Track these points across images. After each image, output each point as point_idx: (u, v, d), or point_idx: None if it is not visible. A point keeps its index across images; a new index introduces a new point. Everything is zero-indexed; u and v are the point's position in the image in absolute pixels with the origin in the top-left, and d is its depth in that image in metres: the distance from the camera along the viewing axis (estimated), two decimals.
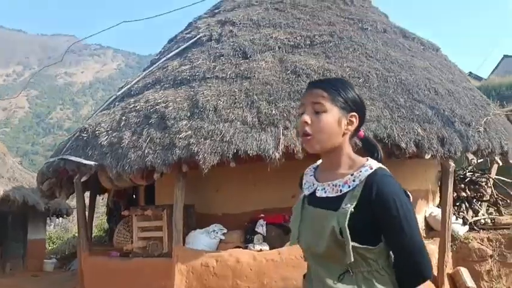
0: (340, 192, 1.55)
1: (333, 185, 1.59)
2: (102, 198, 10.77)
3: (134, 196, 8.45)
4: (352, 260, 1.47)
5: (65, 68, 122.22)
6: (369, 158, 1.60)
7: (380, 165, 1.55)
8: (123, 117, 5.85)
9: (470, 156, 5.78)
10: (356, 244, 1.47)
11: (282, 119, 5.07)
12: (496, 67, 30.26)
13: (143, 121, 5.61)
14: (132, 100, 6.15)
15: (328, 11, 7.06)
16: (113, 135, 5.71)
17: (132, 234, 6.24)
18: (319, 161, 1.73)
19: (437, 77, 6.05)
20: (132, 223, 6.26)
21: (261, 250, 5.37)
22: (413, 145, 4.98)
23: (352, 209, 1.48)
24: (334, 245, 1.49)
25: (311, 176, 1.72)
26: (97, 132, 5.82)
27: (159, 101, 5.67)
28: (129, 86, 6.63)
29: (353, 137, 1.66)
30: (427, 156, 5.10)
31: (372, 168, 1.53)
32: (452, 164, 5.44)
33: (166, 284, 5.33)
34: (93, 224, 10.00)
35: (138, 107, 5.82)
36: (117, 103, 6.51)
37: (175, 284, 5.24)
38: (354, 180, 1.54)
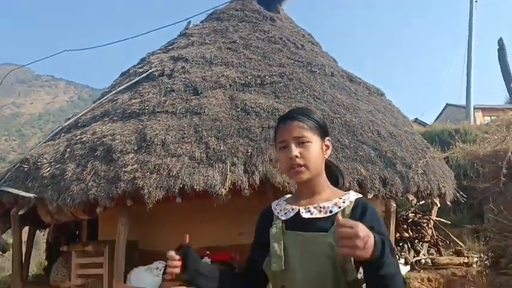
0: (330, 213, 1.56)
1: (320, 207, 1.60)
2: (43, 234, 10.26)
3: (77, 233, 8.12)
4: (355, 275, 1.45)
5: (13, 98, 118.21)
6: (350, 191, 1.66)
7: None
8: (68, 149, 5.70)
9: (411, 197, 6.00)
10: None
11: (230, 155, 5.10)
12: (439, 114, 31.92)
13: (88, 153, 5.48)
14: (79, 132, 6.02)
15: (279, 53, 7.29)
16: (56, 166, 5.53)
17: (69, 271, 5.97)
18: (287, 196, 1.76)
19: (381, 120, 6.31)
20: (71, 259, 5.99)
21: None
22: (356, 184, 5.11)
23: None
24: (328, 268, 1.48)
25: (286, 204, 1.71)
26: (39, 163, 5.62)
27: (106, 133, 5.58)
28: (76, 117, 6.50)
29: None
30: (370, 196, 5.25)
31: (358, 195, 1.60)
32: (393, 204, 5.61)
33: None
34: (33, 262, 9.48)
35: (84, 139, 5.69)
36: (62, 134, 6.34)
37: None
38: (343, 202, 1.58)
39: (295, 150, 1.61)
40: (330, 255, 1.48)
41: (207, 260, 5.55)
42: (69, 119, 6.74)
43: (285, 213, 1.66)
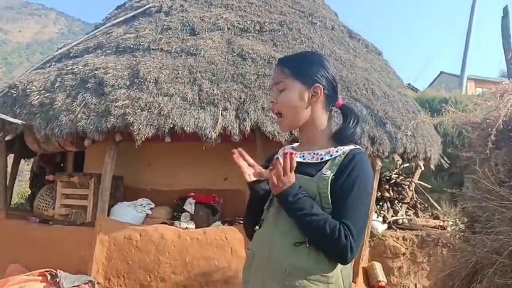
0: (321, 160, 1.58)
1: (314, 154, 1.62)
2: (28, 164, 10.25)
3: (62, 165, 8.12)
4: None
5: (0, 23, 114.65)
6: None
7: (362, 148, 1.62)
8: (59, 79, 5.59)
9: (397, 157, 6.08)
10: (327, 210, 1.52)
11: (223, 100, 5.06)
12: (432, 82, 31.95)
13: (79, 85, 5.39)
14: (70, 62, 5.89)
15: (280, 1, 7.11)
16: (45, 95, 5.45)
17: (54, 200, 6.02)
18: (296, 144, 1.78)
19: (376, 78, 6.28)
20: (56, 189, 6.04)
21: (187, 228, 5.37)
22: None
23: (333, 176, 1.52)
24: None
25: (289, 149, 1.72)
26: (28, 90, 5.53)
27: (99, 66, 5.48)
28: (68, 47, 6.35)
29: (330, 109, 1.69)
30: None
31: (355, 146, 1.59)
32: (379, 163, 5.69)
33: (85, 253, 5.20)
34: (16, 191, 9.53)
35: (75, 70, 5.58)
36: (53, 63, 6.22)
37: (95, 255, 5.12)
38: (337, 151, 1.58)
39: (273, 96, 1.62)
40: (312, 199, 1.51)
41: (191, 200, 5.64)
42: (60, 48, 6.58)
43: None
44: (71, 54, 6.21)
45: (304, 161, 1.61)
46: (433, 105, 19.60)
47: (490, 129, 3.87)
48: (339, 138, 1.64)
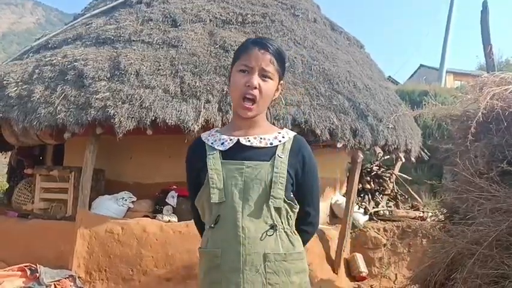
0: (270, 144, 1.61)
1: (261, 138, 1.62)
2: (5, 157, 10.06)
3: (41, 158, 7.99)
4: (282, 205, 1.56)
5: None
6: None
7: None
8: (37, 70, 5.47)
9: (378, 150, 6.14)
10: (284, 198, 1.57)
11: (205, 92, 5.03)
12: (412, 74, 32.32)
13: (58, 76, 5.28)
14: (49, 53, 5.77)
15: None
16: (23, 87, 5.33)
17: (33, 194, 5.92)
18: (217, 128, 1.78)
19: (358, 71, 6.32)
20: (35, 183, 5.93)
21: (169, 221, 5.34)
22: (327, 133, 5.17)
23: (287, 159, 1.59)
24: (267, 197, 1.55)
25: (221, 135, 1.69)
26: (5, 82, 5.39)
27: (78, 57, 5.38)
28: (46, 37, 6.21)
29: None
30: (339, 145, 5.33)
31: (293, 131, 1.70)
32: (361, 155, 5.74)
33: (66, 248, 5.14)
34: None
35: (54, 61, 5.47)
36: (31, 54, 6.08)
37: (76, 249, 5.06)
38: (283, 137, 1.64)
39: (255, 80, 1.57)
40: (269, 184, 1.54)
41: (173, 193, 5.61)
42: (38, 39, 6.44)
43: (222, 144, 1.64)
44: (50, 45, 6.08)
45: (251, 144, 1.62)
46: (413, 97, 19.88)
47: (469, 121, 3.94)
48: (272, 127, 1.74)
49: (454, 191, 4.25)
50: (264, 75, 1.59)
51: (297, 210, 1.62)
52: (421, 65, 31.97)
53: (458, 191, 3.79)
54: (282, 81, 1.68)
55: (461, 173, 3.81)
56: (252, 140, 1.62)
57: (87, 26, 6.17)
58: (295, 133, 1.69)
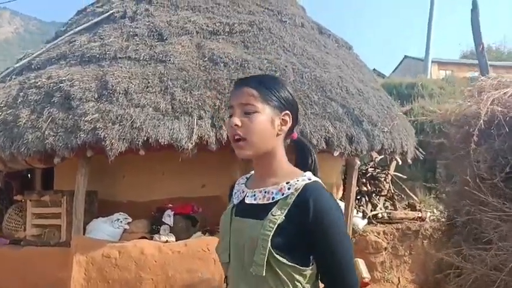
0: (272, 200, 1.42)
1: (265, 192, 1.45)
2: None
3: (29, 176, 7.80)
4: (264, 273, 1.33)
5: None
6: (307, 171, 1.48)
7: (317, 179, 1.45)
8: (21, 93, 5.31)
9: (375, 154, 6.08)
10: (284, 261, 1.35)
11: (197, 108, 4.91)
12: (397, 66, 32.49)
13: (44, 99, 5.13)
14: (33, 75, 5.60)
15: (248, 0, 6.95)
16: (8, 112, 5.18)
17: (25, 220, 5.75)
18: (252, 172, 1.60)
19: (349, 75, 6.24)
20: (25, 208, 5.76)
21: (167, 241, 5.22)
22: (323, 142, 5.09)
23: (283, 217, 1.36)
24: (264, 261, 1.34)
25: (242, 184, 1.59)
26: None
27: (64, 78, 5.22)
28: (29, 58, 6.02)
29: (286, 139, 1.54)
30: (336, 154, 5.26)
31: (310, 180, 1.42)
32: (358, 161, 5.68)
33: (62, 275, 4.98)
34: None
35: (39, 83, 5.31)
36: (14, 77, 5.89)
37: (73, 276, 4.91)
38: (289, 188, 1.42)
39: (237, 119, 1.43)
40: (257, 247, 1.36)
41: (169, 212, 5.48)
42: (20, 59, 6.25)
43: (237, 196, 1.55)
44: (33, 66, 5.89)
45: (255, 202, 1.46)
46: (400, 90, 19.95)
47: (468, 127, 3.89)
48: (293, 172, 1.50)
49: (456, 194, 4.21)
50: (245, 112, 1.44)
51: (309, 272, 1.39)
52: (406, 56, 32.12)
53: (460, 195, 3.75)
54: (287, 111, 1.47)
55: (464, 177, 3.78)
56: (257, 194, 1.48)
57: (70, 44, 5.99)
58: (310, 180, 1.43)
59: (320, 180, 1.46)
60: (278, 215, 1.36)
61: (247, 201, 1.48)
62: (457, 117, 4.01)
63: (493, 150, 3.76)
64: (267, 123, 1.44)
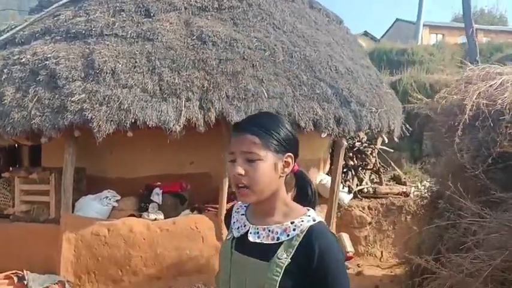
0: (277, 240, 1.43)
1: (269, 231, 1.46)
2: None
3: (16, 147, 7.73)
4: None
5: None
6: (309, 208, 1.49)
7: (321, 219, 1.47)
8: (5, 70, 5.20)
9: (362, 134, 6.14)
10: None
11: (185, 90, 4.88)
12: (388, 29, 32.14)
13: (29, 77, 5.04)
14: (17, 50, 5.46)
15: None
16: None
17: (13, 195, 5.77)
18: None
19: (339, 54, 6.19)
20: (14, 184, 5.77)
21: (155, 219, 5.30)
22: (311, 124, 5.12)
23: (289, 260, 1.37)
24: None
25: (242, 214, 1.58)
26: None
27: (49, 55, 5.11)
28: (12, 32, 5.85)
29: (287, 175, 1.53)
30: (323, 135, 5.30)
31: (314, 221, 1.43)
32: (345, 142, 5.73)
33: (51, 252, 5.07)
34: None
35: (23, 60, 5.19)
36: None
37: (62, 254, 5.01)
38: (294, 229, 1.42)
39: (240, 168, 1.42)
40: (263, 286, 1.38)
41: (158, 190, 5.53)
42: (3, 31, 6.08)
43: (238, 228, 1.55)
44: (16, 40, 5.73)
45: (259, 241, 1.46)
46: (390, 56, 19.87)
47: (453, 116, 3.94)
48: (295, 209, 1.50)
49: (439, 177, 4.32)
50: (248, 160, 1.44)
51: None
52: (397, 19, 31.74)
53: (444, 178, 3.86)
54: (290, 153, 1.47)
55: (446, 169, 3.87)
56: (260, 232, 1.47)
57: (55, 18, 5.81)
58: (316, 221, 1.43)
59: (323, 220, 1.48)
60: (284, 258, 1.38)
61: (250, 238, 1.47)
62: (444, 106, 4.06)
63: (477, 140, 3.83)
64: (270, 170, 1.43)
